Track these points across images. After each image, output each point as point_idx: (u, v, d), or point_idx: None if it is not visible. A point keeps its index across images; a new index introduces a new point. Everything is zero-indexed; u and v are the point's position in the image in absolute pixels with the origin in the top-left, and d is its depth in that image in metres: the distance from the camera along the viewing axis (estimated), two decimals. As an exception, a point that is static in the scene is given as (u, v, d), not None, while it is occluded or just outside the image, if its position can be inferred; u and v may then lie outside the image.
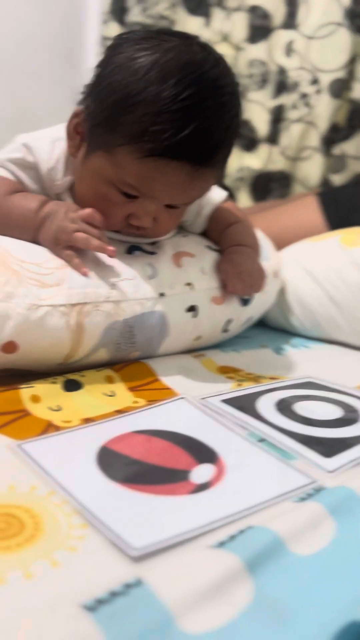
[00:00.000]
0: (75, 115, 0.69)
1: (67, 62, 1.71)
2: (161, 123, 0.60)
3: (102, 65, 0.66)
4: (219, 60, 0.65)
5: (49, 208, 0.69)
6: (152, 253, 0.74)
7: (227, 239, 0.81)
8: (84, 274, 0.66)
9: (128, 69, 0.62)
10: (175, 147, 0.61)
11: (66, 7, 1.67)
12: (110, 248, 0.66)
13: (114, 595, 0.36)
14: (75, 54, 1.73)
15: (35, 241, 0.69)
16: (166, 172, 0.63)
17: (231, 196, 1.59)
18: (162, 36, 0.64)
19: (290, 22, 1.46)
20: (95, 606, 0.35)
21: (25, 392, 0.61)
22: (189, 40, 0.65)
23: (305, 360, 0.86)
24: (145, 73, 0.61)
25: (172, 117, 0.60)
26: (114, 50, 0.66)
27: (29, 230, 0.68)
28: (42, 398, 0.62)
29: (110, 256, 0.66)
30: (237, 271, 0.77)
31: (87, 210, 0.67)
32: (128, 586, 0.37)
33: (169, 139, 0.60)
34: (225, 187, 0.87)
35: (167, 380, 0.71)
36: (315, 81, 1.44)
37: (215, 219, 0.82)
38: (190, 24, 1.57)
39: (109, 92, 0.63)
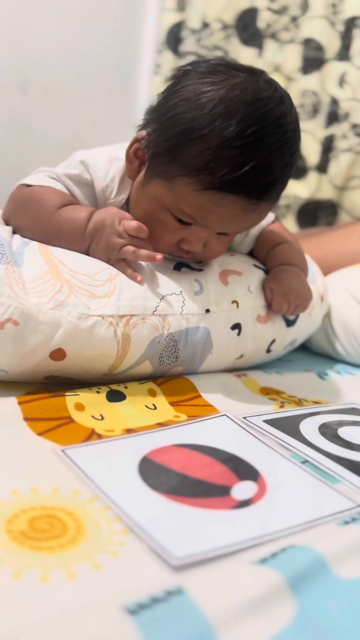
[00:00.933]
0: (136, 140, 0.71)
1: (121, 89, 1.76)
2: (223, 158, 0.61)
3: (167, 96, 0.68)
4: (283, 97, 0.65)
5: (95, 220, 0.70)
6: (199, 270, 0.75)
7: (274, 259, 0.81)
8: (140, 282, 0.68)
9: (194, 103, 0.63)
10: (234, 182, 0.62)
11: (122, 36, 1.73)
12: (159, 256, 0.67)
13: (155, 601, 0.36)
14: (130, 81, 1.78)
15: (87, 253, 0.70)
16: (223, 205, 0.64)
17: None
18: (229, 70, 0.65)
19: (343, 53, 1.47)
20: (136, 610, 0.35)
21: (70, 399, 0.62)
22: (255, 75, 0.66)
23: (349, 387, 0.84)
24: (211, 108, 0.62)
25: (234, 153, 0.61)
26: (179, 81, 0.67)
27: (80, 243, 0.70)
28: (86, 406, 0.62)
29: (159, 262, 0.68)
30: (284, 290, 0.77)
31: (134, 224, 0.68)
32: (169, 593, 0.36)
33: (229, 175, 0.62)
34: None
35: (208, 397, 0.70)
36: (366, 112, 1.45)
37: (263, 240, 0.83)
38: (243, 54, 1.60)
39: (173, 123, 0.65)
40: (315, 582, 0.40)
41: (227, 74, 0.65)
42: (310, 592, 0.39)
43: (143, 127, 0.71)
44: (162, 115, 0.67)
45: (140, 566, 0.40)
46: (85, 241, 0.70)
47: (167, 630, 0.34)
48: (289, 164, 0.67)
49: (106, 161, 0.74)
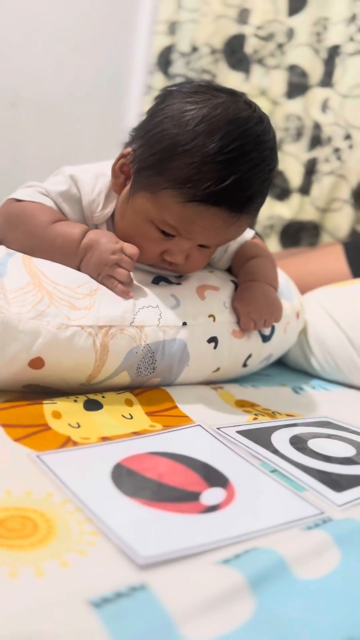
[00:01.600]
0: (122, 156, 0.74)
1: (112, 109, 1.80)
2: (205, 172, 0.65)
3: (153, 114, 0.71)
4: (262, 117, 0.69)
5: (89, 237, 0.73)
6: (177, 284, 0.77)
7: (243, 274, 0.84)
8: (131, 298, 0.71)
9: (178, 120, 0.67)
10: (216, 195, 0.66)
11: (113, 57, 1.77)
12: (131, 295, 0.72)
13: (119, 596, 0.37)
14: (120, 101, 1.82)
15: (78, 268, 0.73)
16: (205, 217, 0.68)
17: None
18: (211, 91, 0.69)
19: (326, 80, 1.52)
20: (100, 603, 0.36)
21: (48, 407, 0.64)
22: (236, 96, 0.70)
23: (323, 401, 0.87)
24: (195, 125, 0.66)
25: (216, 168, 0.65)
26: (164, 100, 0.71)
27: (72, 257, 0.73)
28: (63, 415, 0.64)
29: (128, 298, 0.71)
30: (247, 310, 0.79)
31: (130, 246, 0.71)
32: (133, 589, 0.38)
33: (212, 187, 0.65)
34: (257, 235, 0.90)
35: (184, 408, 0.72)
36: (348, 137, 1.49)
37: (239, 254, 0.86)
38: (230, 78, 1.65)
39: (158, 139, 0.68)
40: (275, 581, 0.42)
41: (210, 95, 0.69)
42: (269, 591, 0.41)
43: (129, 144, 0.74)
44: (147, 132, 0.70)
45: (108, 565, 0.41)
46: (78, 256, 0.72)
47: (129, 623, 0.35)
48: (267, 179, 0.70)
49: (92, 176, 0.77)
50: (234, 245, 0.85)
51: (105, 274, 0.71)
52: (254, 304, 0.80)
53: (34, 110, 1.61)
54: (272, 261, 0.87)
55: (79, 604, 0.36)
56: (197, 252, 0.74)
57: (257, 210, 0.72)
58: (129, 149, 0.73)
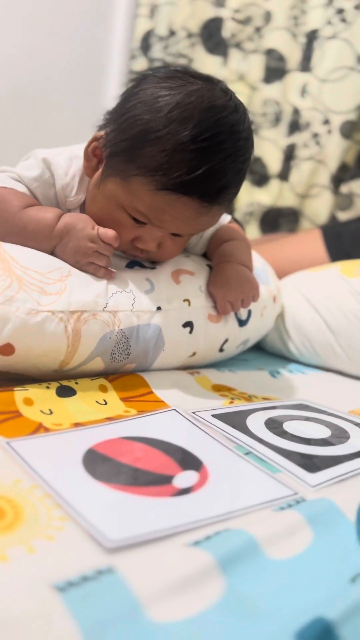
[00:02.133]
0: (94, 139, 0.73)
1: (89, 93, 1.78)
2: (177, 161, 0.64)
3: (126, 98, 0.70)
4: (238, 106, 0.68)
5: (65, 222, 0.71)
6: (151, 269, 0.76)
7: (216, 256, 0.83)
8: (114, 277, 0.71)
9: (151, 106, 0.65)
10: (187, 185, 0.64)
11: (90, 40, 1.74)
12: (113, 275, 0.72)
13: (85, 579, 0.37)
14: (98, 85, 1.80)
15: (52, 253, 0.71)
16: (176, 206, 0.66)
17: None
18: (186, 77, 0.67)
19: (305, 65, 1.51)
20: (65, 587, 0.35)
21: (19, 394, 0.63)
22: (212, 84, 0.68)
23: (300, 385, 0.87)
24: (168, 112, 0.64)
25: (188, 157, 0.63)
26: (138, 84, 0.69)
27: (45, 242, 0.71)
28: (35, 401, 0.63)
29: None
30: (222, 293, 0.79)
31: (111, 232, 0.70)
32: (100, 572, 0.37)
33: (183, 177, 0.64)
34: (235, 221, 0.89)
35: (160, 394, 0.72)
36: (326, 122, 1.49)
37: (213, 238, 0.85)
38: (208, 62, 1.63)
39: (130, 124, 0.67)
40: (245, 562, 0.41)
41: (185, 81, 0.67)
42: (239, 572, 0.40)
43: (102, 127, 0.72)
44: (120, 116, 0.69)
45: (75, 549, 0.41)
46: (52, 241, 0.71)
47: (95, 606, 0.35)
48: (241, 170, 0.69)
49: (66, 159, 0.75)
50: (209, 230, 0.84)
51: (85, 261, 0.70)
52: (227, 286, 0.79)
53: (7, 95, 1.58)
54: (247, 244, 0.86)
55: (43, 589, 0.35)
56: (170, 240, 0.73)
57: (230, 200, 0.71)
58: (102, 132, 0.72)
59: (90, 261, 0.70)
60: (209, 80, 0.69)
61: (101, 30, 1.76)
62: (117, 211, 0.70)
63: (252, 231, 1.64)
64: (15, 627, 0.32)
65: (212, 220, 0.73)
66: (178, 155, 0.64)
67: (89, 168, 0.74)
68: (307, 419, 0.71)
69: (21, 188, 0.75)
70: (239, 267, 0.81)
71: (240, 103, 0.69)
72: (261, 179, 1.62)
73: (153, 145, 0.65)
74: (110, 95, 1.78)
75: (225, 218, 0.87)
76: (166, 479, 0.52)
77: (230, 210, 1.62)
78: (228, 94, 0.68)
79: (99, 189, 0.72)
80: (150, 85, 0.67)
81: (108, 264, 0.71)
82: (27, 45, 1.59)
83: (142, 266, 0.76)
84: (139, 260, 0.76)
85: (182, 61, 1.66)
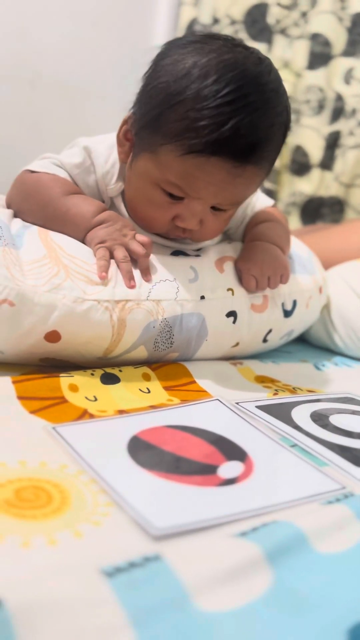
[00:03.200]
0: (124, 122, 0.72)
1: (134, 83, 1.77)
2: (201, 119, 0.60)
3: (149, 72, 0.68)
4: (261, 59, 0.65)
5: (106, 215, 0.71)
6: (196, 256, 0.75)
7: (249, 236, 0.80)
8: (103, 277, 0.66)
9: (171, 71, 0.63)
10: (214, 144, 0.61)
11: (134, 30, 1.74)
12: (134, 284, 0.68)
13: (132, 565, 0.36)
14: (140, 76, 1.79)
15: (83, 241, 0.71)
16: (207, 169, 0.63)
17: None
18: (205, 39, 0.65)
19: (350, 50, 1.47)
20: (113, 573, 0.35)
21: (65, 380, 0.63)
22: (232, 41, 0.65)
23: (345, 378, 0.85)
24: (186, 73, 0.62)
25: (212, 114, 0.60)
26: (160, 56, 0.67)
27: (83, 229, 0.71)
28: (80, 388, 0.63)
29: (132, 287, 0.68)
30: (247, 267, 0.76)
31: (146, 238, 0.69)
32: (147, 559, 0.37)
33: (208, 135, 0.61)
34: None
35: (203, 384, 0.71)
36: (373, 108, 1.45)
37: (251, 221, 0.82)
38: (252, 50, 1.60)
39: (153, 94, 0.65)
40: (293, 555, 0.40)
41: (203, 43, 0.64)
42: (287, 565, 0.40)
43: (131, 108, 0.71)
44: (143, 89, 0.68)
45: (121, 535, 0.40)
46: (89, 227, 0.70)
47: (142, 593, 0.35)
48: (274, 124, 0.65)
49: (107, 147, 0.75)
50: (250, 214, 0.82)
51: (105, 245, 0.68)
52: (253, 260, 0.76)
53: (52, 88, 1.59)
54: (283, 226, 0.83)
55: (91, 573, 0.35)
56: (212, 216, 0.70)
57: (267, 160, 0.67)
58: (130, 113, 0.71)
59: (110, 248, 0.68)
60: (229, 39, 0.66)
61: (146, 19, 1.75)
62: (152, 189, 0.68)
63: (295, 221, 1.61)
64: (63, 611, 0.32)
65: (250, 185, 0.68)
66: (201, 113, 0.61)
67: (123, 153, 0.73)
68: (354, 412, 0.69)
69: (63, 174, 0.75)
70: (269, 245, 0.78)
71: (265, 57, 0.66)
72: (302, 168, 1.58)
73: (176, 109, 0.62)
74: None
75: (267, 201, 0.85)
76: (211, 469, 0.51)
77: (274, 195, 1.60)
78: (249, 49, 0.65)
79: (132, 170, 0.71)
80: (171, 53, 0.66)
81: (123, 260, 0.68)
82: (71, 36, 1.59)
83: (186, 255, 0.75)
84: (183, 250, 0.75)
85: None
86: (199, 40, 0.65)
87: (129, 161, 0.72)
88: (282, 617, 0.35)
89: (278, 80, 0.66)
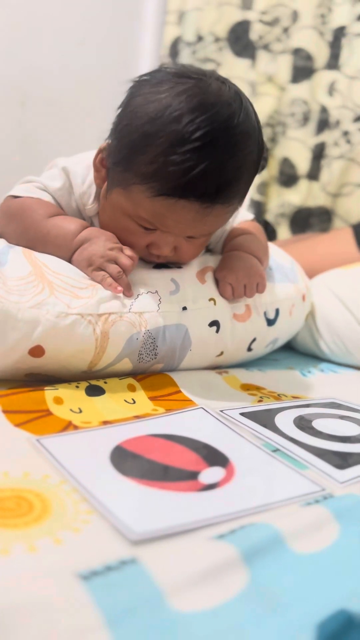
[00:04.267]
0: (100, 150, 0.73)
1: (120, 101, 1.80)
2: (170, 164, 0.62)
3: (122, 107, 0.70)
4: (233, 99, 0.65)
5: (87, 233, 0.72)
6: (177, 268, 0.77)
7: (226, 248, 0.82)
8: (119, 292, 0.69)
9: (142, 113, 0.65)
10: (183, 188, 0.63)
11: (121, 50, 1.77)
12: (119, 288, 0.69)
13: (109, 569, 0.37)
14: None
15: (69, 261, 0.72)
16: (176, 210, 0.66)
17: (272, 231, 1.61)
18: (175, 78, 0.65)
19: (333, 63, 1.50)
20: (89, 576, 0.36)
21: (49, 393, 0.64)
22: (203, 80, 0.65)
23: (331, 384, 0.86)
24: (156, 117, 0.63)
25: (181, 159, 0.62)
26: (132, 92, 0.69)
27: (65, 250, 0.72)
28: (65, 400, 0.64)
29: (127, 296, 0.70)
30: (222, 275, 0.77)
31: (129, 249, 0.71)
32: (123, 562, 0.38)
33: (177, 180, 0.63)
34: (266, 223, 0.88)
35: (188, 392, 0.72)
36: (357, 119, 1.47)
37: (230, 233, 0.84)
38: (236, 66, 1.63)
39: (125, 134, 0.67)
40: (270, 555, 0.41)
41: (175, 82, 0.65)
42: (263, 565, 0.40)
43: (108, 137, 0.73)
44: (117, 126, 0.69)
45: (100, 541, 0.41)
46: (73, 247, 0.72)
47: (117, 595, 0.35)
48: (243, 165, 0.66)
49: (84, 167, 0.77)
50: (229, 230, 0.84)
51: (97, 265, 0.69)
52: (228, 268, 0.77)
53: (42, 107, 1.62)
54: (260, 238, 0.84)
55: (68, 577, 0.36)
56: (186, 243, 0.72)
57: (235, 197, 0.68)
58: (106, 143, 0.72)
59: (101, 267, 0.69)
60: (201, 78, 0.65)
61: (132, 38, 1.79)
62: (125, 220, 0.70)
63: (284, 232, 1.63)
64: (39, 613, 0.33)
65: (219, 220, 0.71)
66: (170, 158, 0.62)
67: (99, 178, 0.75)
68: (338, 417, 0.70)
69: (47, 197, 0.77)
70: (245, 254, 0.79)
71: (238, 96, 0.66)
72: (289, 179, 1.61)
73: (146, 152, 0.64)
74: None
75: (247, 217, 0.87)
76: (192, 475, 0.52)
77: (260, 212, 1.62)
78: (222, 87, 0.65)
79: (107, 200, 0.73)
80: (142, 91, 0.67)
81: (118, 276, 0.69)
82: (58, 55, 1.62)
83: (167, 267, 0.76)
84: (164, 262, 0.77)
85: (210, 65, 1.67)
86: (170, 80, 0.65)
87: (104, 189, 0.73)
88: (255, 615, 0.36)
89: (249, 121, 0.66)
